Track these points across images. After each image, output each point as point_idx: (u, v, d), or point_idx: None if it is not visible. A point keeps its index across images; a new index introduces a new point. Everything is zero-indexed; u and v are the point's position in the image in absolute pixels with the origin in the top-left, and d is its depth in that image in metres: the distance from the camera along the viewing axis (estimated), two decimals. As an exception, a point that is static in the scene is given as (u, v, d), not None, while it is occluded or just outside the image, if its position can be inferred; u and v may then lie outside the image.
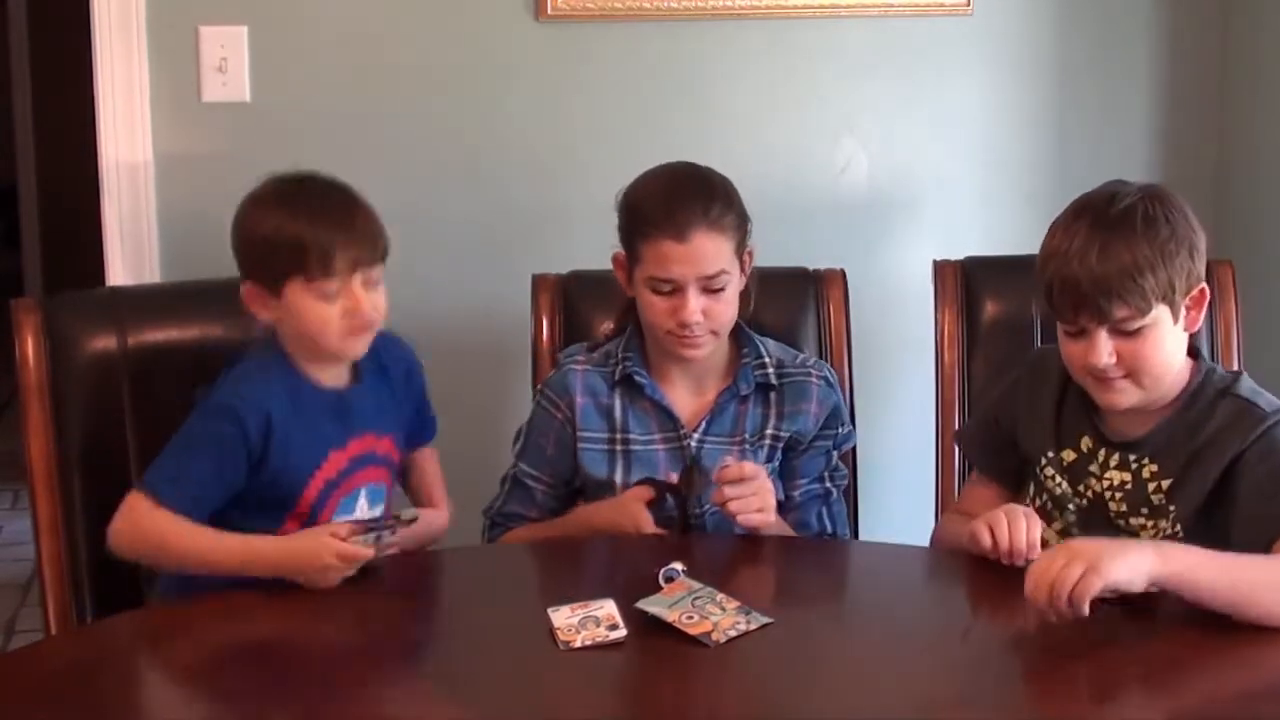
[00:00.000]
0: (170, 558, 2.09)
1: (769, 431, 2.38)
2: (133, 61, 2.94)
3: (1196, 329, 2.12)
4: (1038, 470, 2.20)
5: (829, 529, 2.39)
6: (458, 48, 3.08)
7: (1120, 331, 2.04)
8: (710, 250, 2.28)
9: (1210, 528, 2.07)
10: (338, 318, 2.09)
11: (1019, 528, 2.01)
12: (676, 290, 2.29)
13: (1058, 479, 2.18)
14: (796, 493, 2.40)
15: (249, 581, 2.04)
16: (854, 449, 2.54)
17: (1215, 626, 1.84)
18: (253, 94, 3.00)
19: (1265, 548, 1.97)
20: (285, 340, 2.17)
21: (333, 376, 2.18)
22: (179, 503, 2.06)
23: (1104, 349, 2.05)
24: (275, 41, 3.00)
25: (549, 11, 3.06)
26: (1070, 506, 2.16)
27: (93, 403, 2.43)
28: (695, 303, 2.28)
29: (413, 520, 2.08)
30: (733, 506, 2.17)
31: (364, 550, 2.00)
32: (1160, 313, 2.04)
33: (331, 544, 1.98)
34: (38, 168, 6.46)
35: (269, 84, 3.01)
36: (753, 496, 2.18)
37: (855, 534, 2.56)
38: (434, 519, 2.32)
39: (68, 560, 2.36)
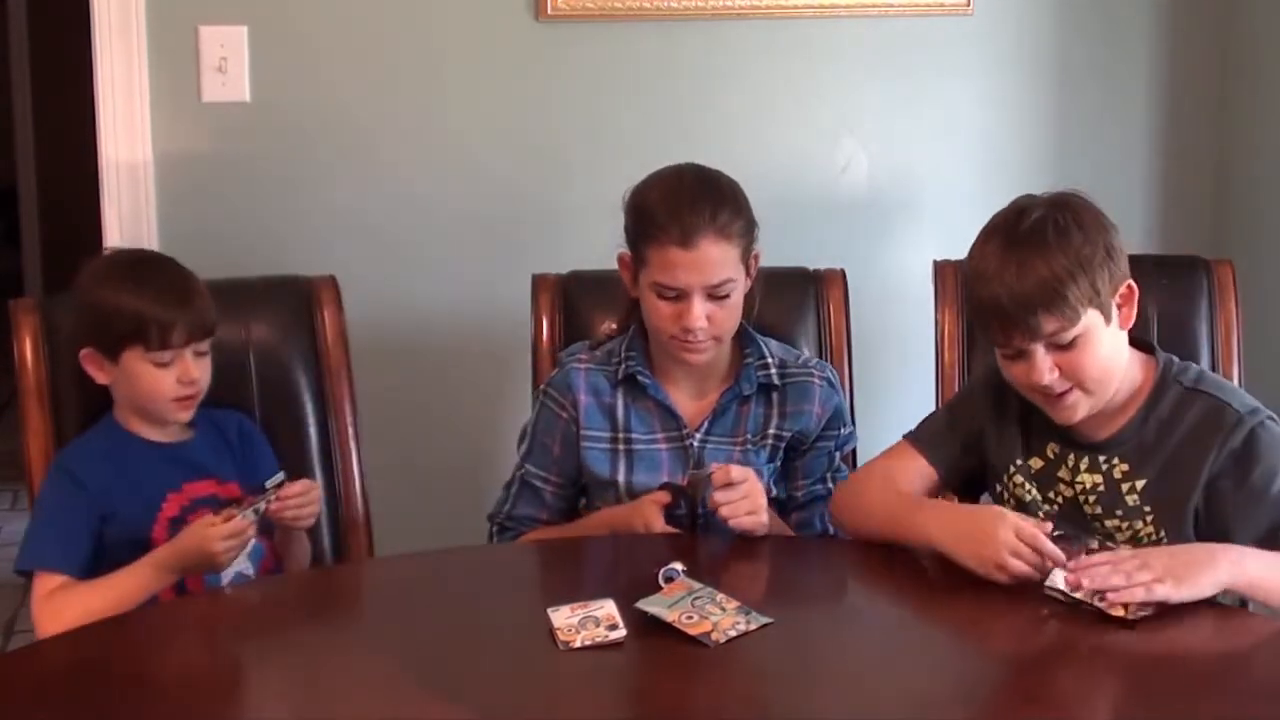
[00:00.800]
0: (102, 613, 2.14)
1: (771, 431, 2.38)
2: (133, 61, 2.94)
3: (1129, 326, 2.10)
4: (1005, 479, 2.19)
5: (831, 530, 2.39)
6: (458, 48, 3.08)
7: (1056, 345, 2.03)
8: (716, 258, 2.28)
9: (1195, 533, 2.07)
10: (171, 384, 2.28)
11: (1043, 545, 1.95)
12: (681, 296, 2.29)
13: (1027, 486, 2.17)
14: (799, 493, 2.40)
15: (247, 581, 2.13)
16: (854, 449, 2.54)
17: (1214, 627, 1.84)
18: (253, 94, 3.00)
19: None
20: (118, 403, 2.35)
21: (163, 434, 2.35)
22: (64, 561, 2.22)
23: (1044, 366, 2.03)
24: (275, 41, 3.00)
25: (549, 11, 3.06)
26: (1040, 514, 2.15)
27: (92, 403, 2.43)
28: (700, 309, 2.28)
29: (279, 483, 2.22)
30: (723, 511, 2.17)
31: (244, 523, 2.15)
32: (1091, 318, 2.03)
33: (210, 532, 2.13)
34: (38, 168, 6.45)
35: (269, 84, 3.01)
36: (742, 500, 2.17)
37: (855, 534, 2.56)
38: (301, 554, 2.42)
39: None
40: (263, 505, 2.18)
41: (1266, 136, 3.24)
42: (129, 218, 2.98)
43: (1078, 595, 1.83)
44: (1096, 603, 1.81)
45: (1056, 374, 2.04)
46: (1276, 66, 3.20)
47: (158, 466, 2.32)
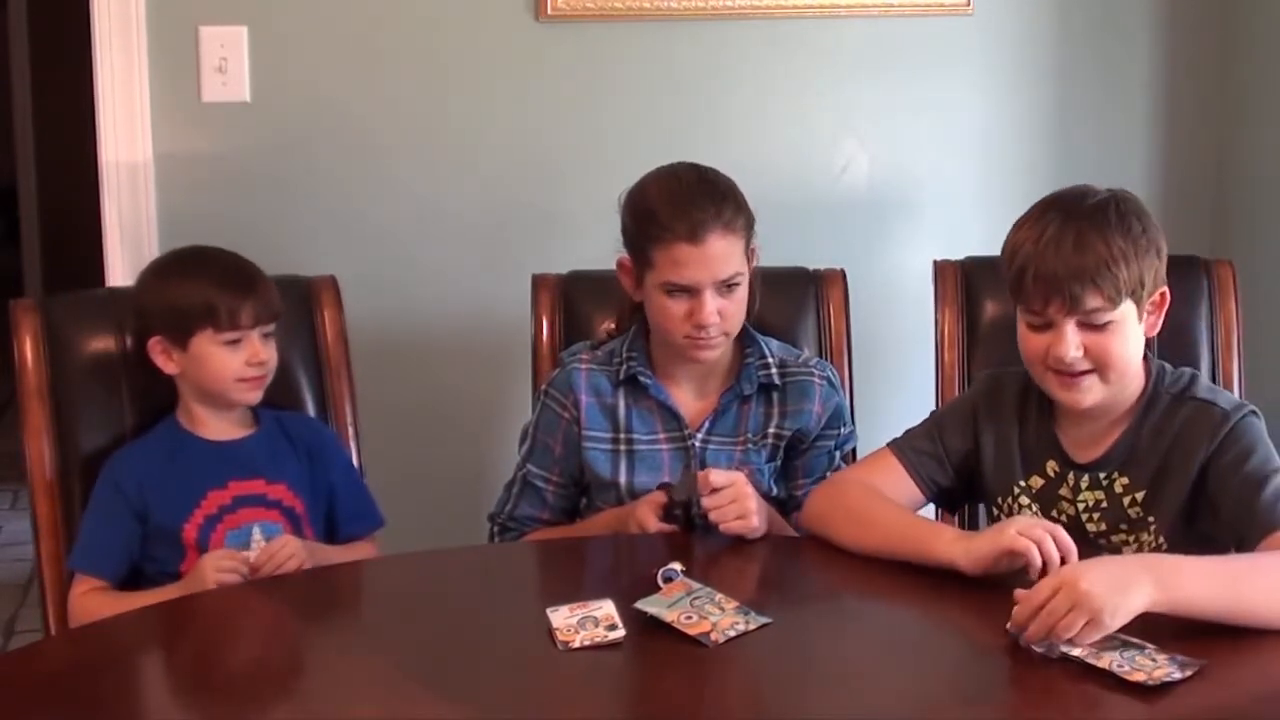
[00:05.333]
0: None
1: (771, 430, 2.38)
2: (133, 61, 2.94)
3: (1155, 333, 2.11)
4: (1008, 501, 2.18)
5: None
6: (458, 48, 3.08)
7: (1088, 325, 2.04)
8: (725, 252, 2.29)
9: (1191, 533, 2.07)
10: (240, 365, 2.34)
11: (1049, 543, 1.91)
12: (692, 294, 2.29)
13: (1032, 507, 2.16)
14: (800, 492, 2.39)
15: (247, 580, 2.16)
16: (854, 449, 2.54)
17: (1213, 626, 1.84)
18: (253, 94, 3.00)
19: (1252, 545, 1.97)
20: (182, 399, 2.40)
21: (221, 431, 2.40)
22: (101, 569, 2.32)
23: (1072, 341, 2.04)
24: (275, 41, 3.00)
25: (549, 11, 3.06)
26: None
27: (93, 403, 2.43)
28: (712, 305, 2.28)
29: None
30: (713, 517, 2.17)
31: (238, 563, 2.19)
32: (1128, 309, 2.04)
33: (208, 557, 2.22)
34: (38, 168, 6.46)
35: (269, 84, 3.01)
36: (729, 505, 2.17)
37: (855, 533, 2.55)
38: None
39: (67, 560, 2.36)
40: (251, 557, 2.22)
41: (1267, 136, 3.24)
42: (129, 218, 2.98)
43: (1095, 663, 1.78)
44: (1115, 669, 1.74)
45: (1081, 353, 2.04)
46: (1276, 66, 3.20)
47: (205, 464, 2.36)
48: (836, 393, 2.43)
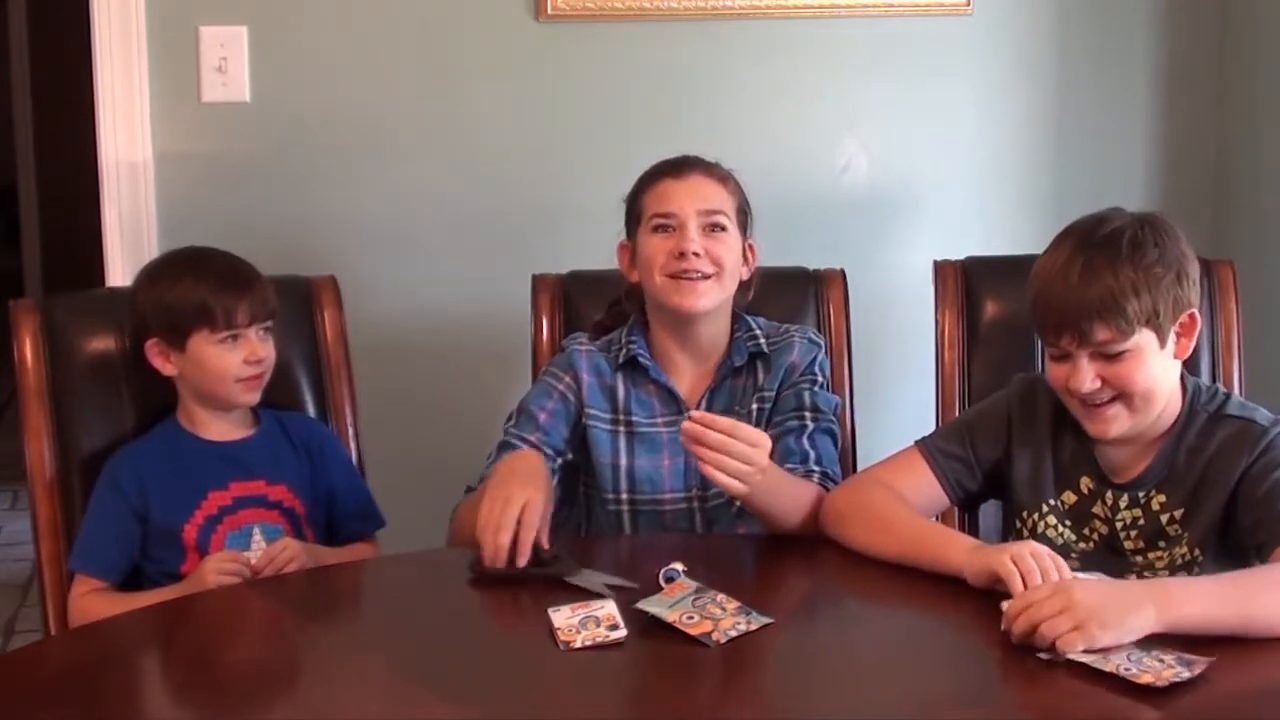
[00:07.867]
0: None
1: (755, 395, 2.39)
2: (133, 61, 2.94)
3: (1188, 356, 2.08)
4: (1034, 518, 2.16)
5: (811, 456, 2.32)
6: (458, 48, 3.08)
7: (1104, 355, 2.01)
8: (708, 188, 2.38)
9: (1225, 548, 2.06)
10: (239, 364, 2.34)
11: (1050, 569, 1.89)
12: (677, 227, 2.34)
13: (1060, 526, 2.15)
14: (772, 430, 2.33)
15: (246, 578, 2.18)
16: (854, 448, 2.54)
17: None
18: (252, 94, 3.01)
19: (1269, 552, 1.96)
20: (182, 400, 2.40)
21: (221, 432, 2.40)
22: (101, 569, 2.32)
23: (1086, 374, 2.01)
24: (275, 41, 3.00)
25: (549, 11, 3.06)
26: (1074, 554, 2.12)
27: (93, 403, 2.43)
28: (695, 233, 2.33)
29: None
30: (714, 458, 2.03)
31: (239, 566, 2.20)
32: (1144, 338, 2.01)
33: (210, 560, 2.22)
34: (38, 167, 6.46)
35: (269, 84, 3.01)
36: (740, 463, 2.04)
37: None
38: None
39: (67, 561, 2.36)
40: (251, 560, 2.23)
41: (1266, 137, 3.24)
42: (129, 217, 2.99)
43: (1102, 667, 1.75)
44: (1122, 672, 1.73)
45: (1099, 384, 2.02)
46: (1276, 67, 3.20)
47: (206, 465, 2.36)
48: (817, 348, 2.43)
